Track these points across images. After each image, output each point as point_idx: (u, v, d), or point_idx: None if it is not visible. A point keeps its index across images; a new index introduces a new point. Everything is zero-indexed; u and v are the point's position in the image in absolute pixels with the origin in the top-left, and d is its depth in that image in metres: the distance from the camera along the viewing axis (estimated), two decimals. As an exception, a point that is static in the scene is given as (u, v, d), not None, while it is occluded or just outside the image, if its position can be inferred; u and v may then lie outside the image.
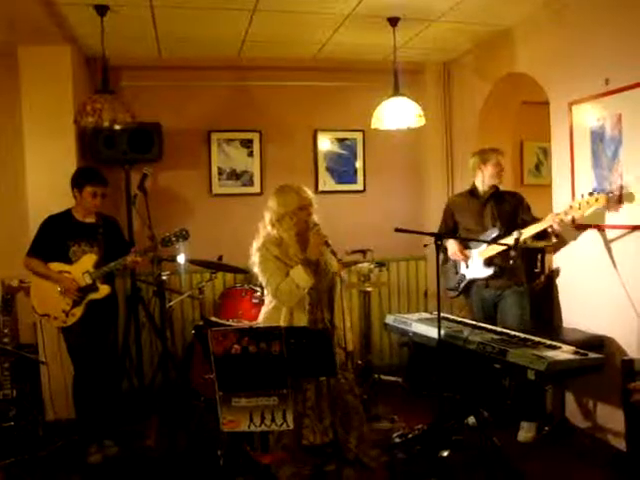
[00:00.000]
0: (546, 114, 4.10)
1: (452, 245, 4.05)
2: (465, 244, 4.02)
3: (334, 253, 3.08)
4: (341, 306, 3.14)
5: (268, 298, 3.16)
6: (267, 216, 3.14)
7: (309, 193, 3.15)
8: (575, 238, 3.84)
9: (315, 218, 3.14)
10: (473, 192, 4.07)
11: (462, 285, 4.05)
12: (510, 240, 3.67)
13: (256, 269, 3.10)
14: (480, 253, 3.92)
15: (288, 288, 2.99)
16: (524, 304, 3.89)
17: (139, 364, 4.46)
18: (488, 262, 3.88)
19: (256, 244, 3.12)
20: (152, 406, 4.10)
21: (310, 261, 3.03)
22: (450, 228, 4.17)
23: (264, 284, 3.11)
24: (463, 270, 4.04)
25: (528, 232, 3.70)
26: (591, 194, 3.47)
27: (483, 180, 3.99)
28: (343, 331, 3.15)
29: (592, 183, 3.66)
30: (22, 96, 4.30)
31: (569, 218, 3.56)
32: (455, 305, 4.71)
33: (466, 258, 3.99)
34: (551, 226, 3.62)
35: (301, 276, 2.97)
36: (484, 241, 3.85)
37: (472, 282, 4.01)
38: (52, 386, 4.05)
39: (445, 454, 3.29)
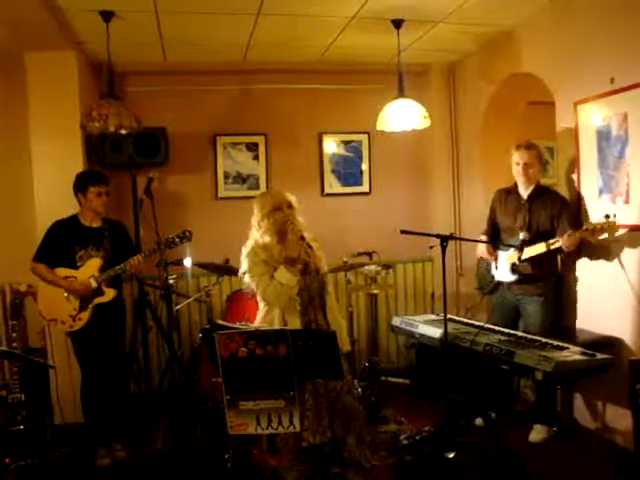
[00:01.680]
0: (552, 114, 4.09)
1: (481, 244, 4.04)
2: (496, 245, 3.98)
3: (310, 247, 3.14)
4: (333, 306, 3.21)
5: (262, 303, 3.19)
6: (253, 223, 3.21)
7: (286, 195, 3.21)
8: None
9: (300, 220, 3.17)
10: (514, 189, 3.96)
11: (491, 286, 4.01)
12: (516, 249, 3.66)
13: (247, 276, 3.14)
14: (507, 258, 3.88)
15: (274, 288, 3.04)
16: (547, 313, 3.82)
17: (147, 368, 4.48)
18: (513, 268, 3.84)
19: (245, 250, 3.17)
20: (160, 409, 4.11)
21: (292, 259, 3.06)
22: (493, 223, 4.12)
23: (255, 289, 3.15)
24: (494, 271, 4.02)
25: (531, 252, 3.64)
26: (607, 216, 3.36)
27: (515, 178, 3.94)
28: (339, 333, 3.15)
29: (598, 182, 3.65)
30: (29, 101, 4.33)
31: (579, 239, 3.48)
32: (462, 307, 4.70)
33: (495, 258, 3.97)
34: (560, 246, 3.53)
35: (283, 274, 3.02)
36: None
37: (499, 284, 3.99)
38: (61, 390, 4.08)
39: (451, 456, 3.28)
